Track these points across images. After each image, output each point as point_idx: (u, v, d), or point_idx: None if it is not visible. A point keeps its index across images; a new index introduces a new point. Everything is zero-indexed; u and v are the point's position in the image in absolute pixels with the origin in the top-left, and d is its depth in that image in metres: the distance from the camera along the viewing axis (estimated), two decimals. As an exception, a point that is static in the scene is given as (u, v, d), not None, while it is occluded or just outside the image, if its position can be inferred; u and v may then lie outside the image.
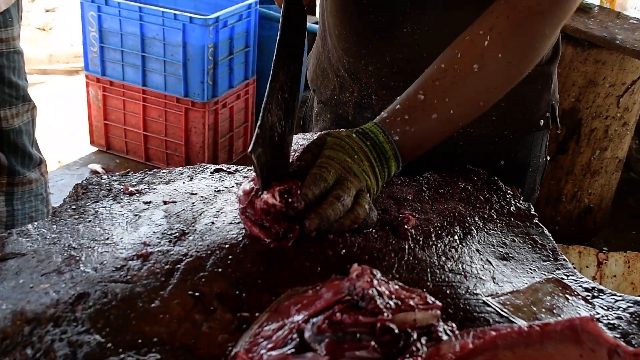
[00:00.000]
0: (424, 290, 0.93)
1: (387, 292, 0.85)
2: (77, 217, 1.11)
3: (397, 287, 0.87)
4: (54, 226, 1.08)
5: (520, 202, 1.24)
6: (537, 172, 1.51)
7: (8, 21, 1.81)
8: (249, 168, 1.29)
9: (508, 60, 1.10)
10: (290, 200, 0.99)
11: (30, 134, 2.09)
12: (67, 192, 1.23)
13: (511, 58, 1.11)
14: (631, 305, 1.01)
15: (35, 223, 1.09)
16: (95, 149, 4.12)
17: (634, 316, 0.98)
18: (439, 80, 1.11)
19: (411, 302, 0.85)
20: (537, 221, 1.19)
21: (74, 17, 3.86)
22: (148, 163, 3.95)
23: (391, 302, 0.83)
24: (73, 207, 1.15)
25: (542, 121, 1.43)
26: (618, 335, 0.93)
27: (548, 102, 1.43)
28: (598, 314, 0.99)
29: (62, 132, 4.39)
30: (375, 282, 0.85)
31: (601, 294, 1.03)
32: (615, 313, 0.99)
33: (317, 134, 1.15)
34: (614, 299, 1.02)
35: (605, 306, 1.00)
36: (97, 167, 3.92)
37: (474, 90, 1.12)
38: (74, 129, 4.39)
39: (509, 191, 1.27)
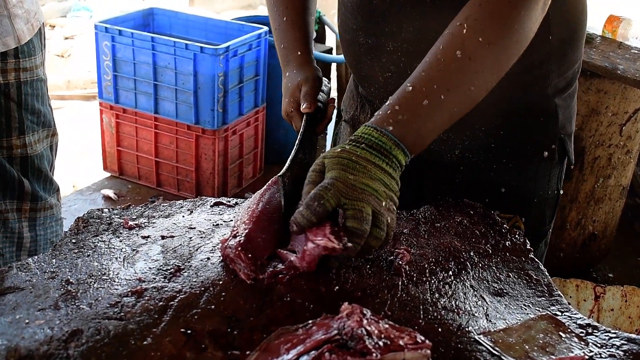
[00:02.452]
0: (416, 328, 0.94)
1: (376, 332, 0.85)
2: (76, 251, 1.13)
3: (387, 326, 0.88)
4: (54, 260, 1.10)
5: (516, 237, 1.24)
6: (546, 204, 1.49)
7: (32, 50, 1.86)
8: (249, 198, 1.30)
9: (488, 42, 1.11)
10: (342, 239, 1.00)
11: (51, 160, 2.12)
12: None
13: (492, 39, 1.11)
14: (625, 342, 1.00)
15: (36, 257, 1.10)
16: (108, 174, 4.16)
17: (627, 354, 0.98)
18: (425, 71, 1.13)
19: (400, 342, 0.85)
20: (532, 256, 1.19)
21: (91, 45, 3.91)
22: (159, 189, 3.98)
23: (380, 342, 0.84)
24: (73, 240, 1.17)
25: (546, 153, 1.42)
26: (611, 374, 0.93)
27: (555, 135, 1.42)
28: (592, 351, 0.99)
29: (78, 156, 4.44)
30: (364, 321, 0.86)
31: (595, 331, 1.03)
32: (608, 351, 0.98)
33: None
34: (607, 336, 1.02)
35: (599, 343, 1.00)
36: (110, 193, 3.96)
37: (461, 75, 1.12)
38: (89, 153, 4.44)
39: (505, 225, 1.27)
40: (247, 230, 1.07)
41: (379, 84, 1.43)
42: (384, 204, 1.05)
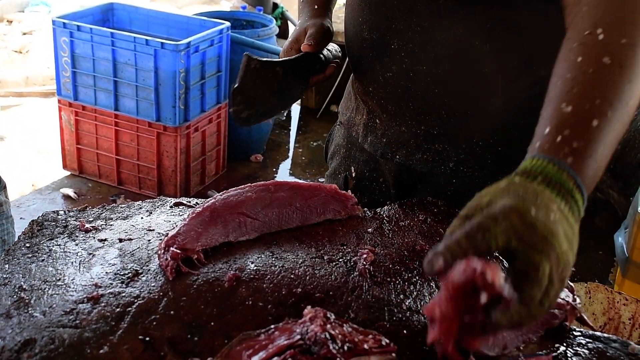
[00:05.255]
0: (381, 330, 0.92)
1: (340, 336, 0.83)
2: (30, 255, 1.09)
3: (351, 329, 0.86)
4: (7, 265, 1.06)
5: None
6: None
7: None
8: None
9: (632, 43, 0.94)
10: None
11: None
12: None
13: (635, 40, 0.95)
14: (590, 341, 1.00)
15: (-12, 263, 1.06)
16: (68, 172, 4.08)
17: (592, 352, 0.97)
18: (575, 87, 0.93)
19: (365, 346, 0.84)
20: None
21: (50, 41, 3.83)
22: (120, 187, 3.92)
23: (344, 347, 0.82)
24: (27, 244, 1.13)
25: None
26: (576, 374, 0.92)
27: None
28: (557, 349, 0.98)
29: (37, 154, 4.35)
30: (328, 325, 0.84)
31: (560, 329, 1.02)
32: (574, 350, 0.98)
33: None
34: (573, 334, 1.01)
35: (565, 342, 1.00)
36: (70, 192, 3.87)
37: (619, 86, 0.93)
38: (48, 151, 4.35)
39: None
40: (181, 225, 1.08)
41: (378, 83, 1.38)
42: (560, 268, 0.79)
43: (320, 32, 1.40)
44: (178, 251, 1.02)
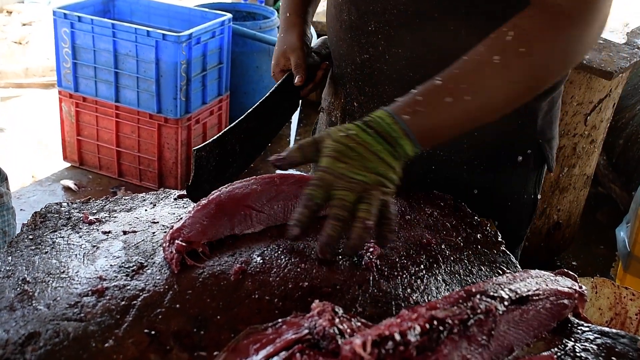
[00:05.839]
0: (388, 324, 0.91)
1: (348, 331, 0.82)
2: (33, 247, 1.08)
3: (359, 324, 0.85)
4: (10, 258, 1.05)
5: (487, 229, 1.22)
6: (522, 209, 1.45)
7: None
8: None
9: (530, 54, 1.07)
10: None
11: None
12: (39, 208, 1.20)
13: (535, 53, 1.07)
14: (598, 336, 0.99)
15: (-10, 255, 1.05)
16: (68, 164, 4.07)
17: (601, 348, 0.96)
18: (458, 68, 1.08)
19: (373, 340, 0.83)
20: (503, 248, 1.18)
21: (50, 32, 3.81)
22: (121, 179, 3.91)
23: (352, 341, 0.81)
24: (30, 236, 1.12)
25: (520, 158, 1.37)
26: (585, 369, 0.91)
27: (532, 140, 1.38)
28: (565, 346, 0.97)
29: (37, 145, 4.34)
30: (336, 319, 0.83)
31: (568, 325, 1.01)
32: (582, 345, 0.97)
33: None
34: (580, 329, 1.01)
35: (573, 338, 0.99)
36: (70, 184, 3.86)
37: (493, 81, 1.08)
38: (48, 143, 4.34)
39: (475, 217, 1.25)
40: (186, 217, 1.07)
41: (355, 65, 1.38)
42: (373, 191, 1.02)
43: (302, 57, 1.49)
44: (183, 244, 1.01)
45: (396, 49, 1.29)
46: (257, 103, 1.41)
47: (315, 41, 1.59)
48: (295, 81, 1.48)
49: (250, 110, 1.39)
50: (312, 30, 1.60)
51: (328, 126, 1.56)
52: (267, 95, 1.45)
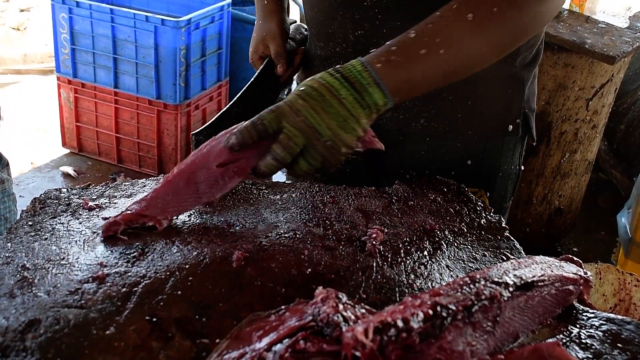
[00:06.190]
0: (392, 311, 0.90)
1: (353, 318, 0.81)
2: (33, 234, 1.07)
3: (363, 310, 0.84)
4: (9, 244, 1.04)
5: (491, 214, 1.21)
6: (509, 179, 1.48)
7: None
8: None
9: (501, 14, 1.08)
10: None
11: None
12: (38, 194, 1.19)
13: (506, 13, 1.08)
14: (604, 322, 0.98)
15: (-11, 241, 1.04)
16: (67, 150, 4.05)
17: (606, 334, 0.96)
18: (433, 23, 1.09)
19: (377, 327, 0.82)
20: (508, 234, 1.17)
21: (48, 17, 3.78)
22: (120, 165, 3.90)
23: (356, 328, 0.80)
24: (29, 223, 1.11)
25: (510, 127, 1.40)
26: (591, 356, 0.90)
27: (520, 109, 1.41)
28: (571, 332, 0.96)
29: (35, 132, 4.32)
30: (340, 306, 0.82)
31: (573, 311, 1.01)
32: (587, 332, 0.96)
33: None
34: (586, 316, 1.00)
35: (578, 324, 0.98)
36: (69, 170, 3.85)
37: (466, 38, 1.09)
38: (47, 129, 4.32)
39: (479, 203, 1.24)
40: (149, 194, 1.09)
41: (347, 43, 1.37)
42: (324, 140, 1.01)
43: (282, 45, 1.50)
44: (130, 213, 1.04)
45: (394, 21, 1.28)
46: (242, 90, 1.44)
47: None
48: (278, 70, 1.49)
49: (237, 96, 1.43)
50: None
51: None
52: (251, 80, 1.46)
